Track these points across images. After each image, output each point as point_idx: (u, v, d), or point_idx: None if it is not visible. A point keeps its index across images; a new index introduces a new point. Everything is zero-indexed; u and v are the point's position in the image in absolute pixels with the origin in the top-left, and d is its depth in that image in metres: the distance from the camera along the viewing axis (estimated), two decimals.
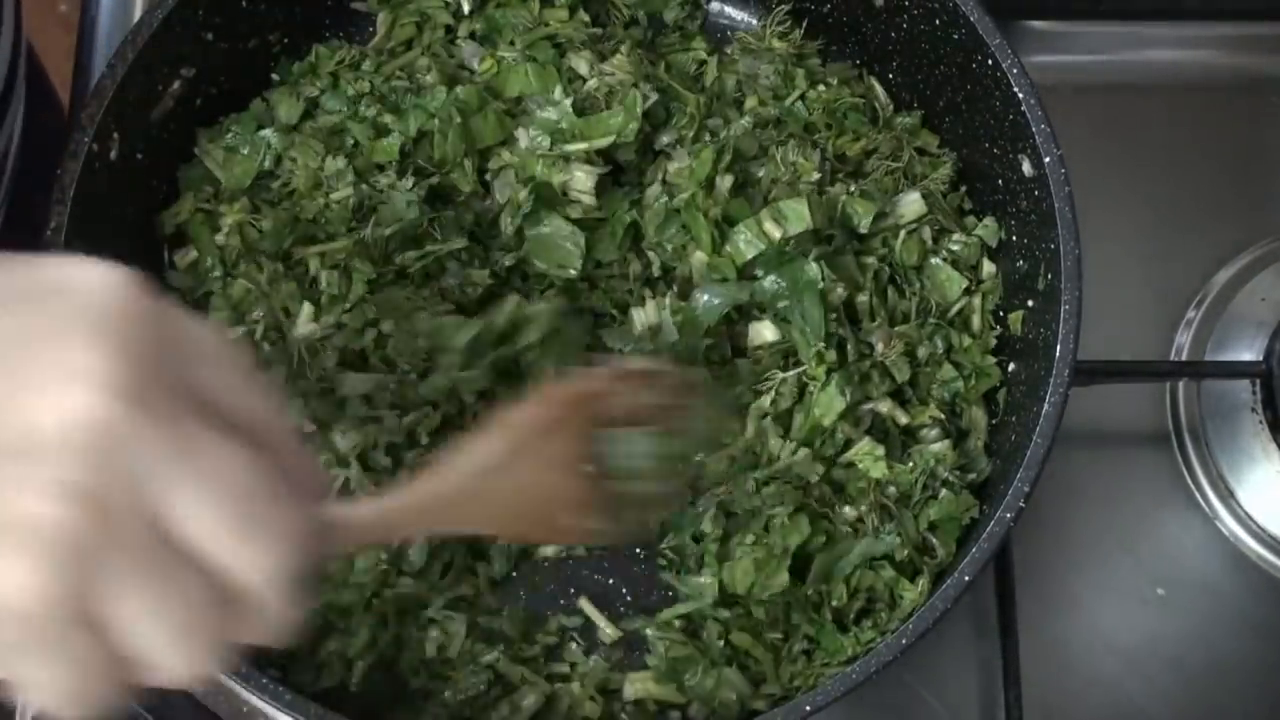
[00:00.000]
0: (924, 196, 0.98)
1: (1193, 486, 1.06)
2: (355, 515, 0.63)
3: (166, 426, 0.46)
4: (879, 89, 1.05)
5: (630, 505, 0.80)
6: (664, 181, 0.97)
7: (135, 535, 0.46)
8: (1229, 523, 1.05)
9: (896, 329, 0.94)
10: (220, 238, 0.96)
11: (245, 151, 0.98)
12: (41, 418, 0.45)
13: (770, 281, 0.93)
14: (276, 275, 0.93)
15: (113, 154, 0.90)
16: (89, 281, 0.48)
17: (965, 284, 0.96)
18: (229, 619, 0.49)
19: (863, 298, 0.95)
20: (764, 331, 0.94)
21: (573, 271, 0.95)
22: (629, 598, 0.95)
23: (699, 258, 0.95)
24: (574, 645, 0.93)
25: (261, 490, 0.48)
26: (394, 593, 0.89)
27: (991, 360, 0.96)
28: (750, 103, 1.02)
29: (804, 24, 1.05)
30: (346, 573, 0.88)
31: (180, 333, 0.50)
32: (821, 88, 1.02)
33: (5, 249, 0.50)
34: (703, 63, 1.04)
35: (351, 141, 0.97)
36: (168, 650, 0.48)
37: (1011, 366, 0.95)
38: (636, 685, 0.90)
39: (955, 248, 0.97)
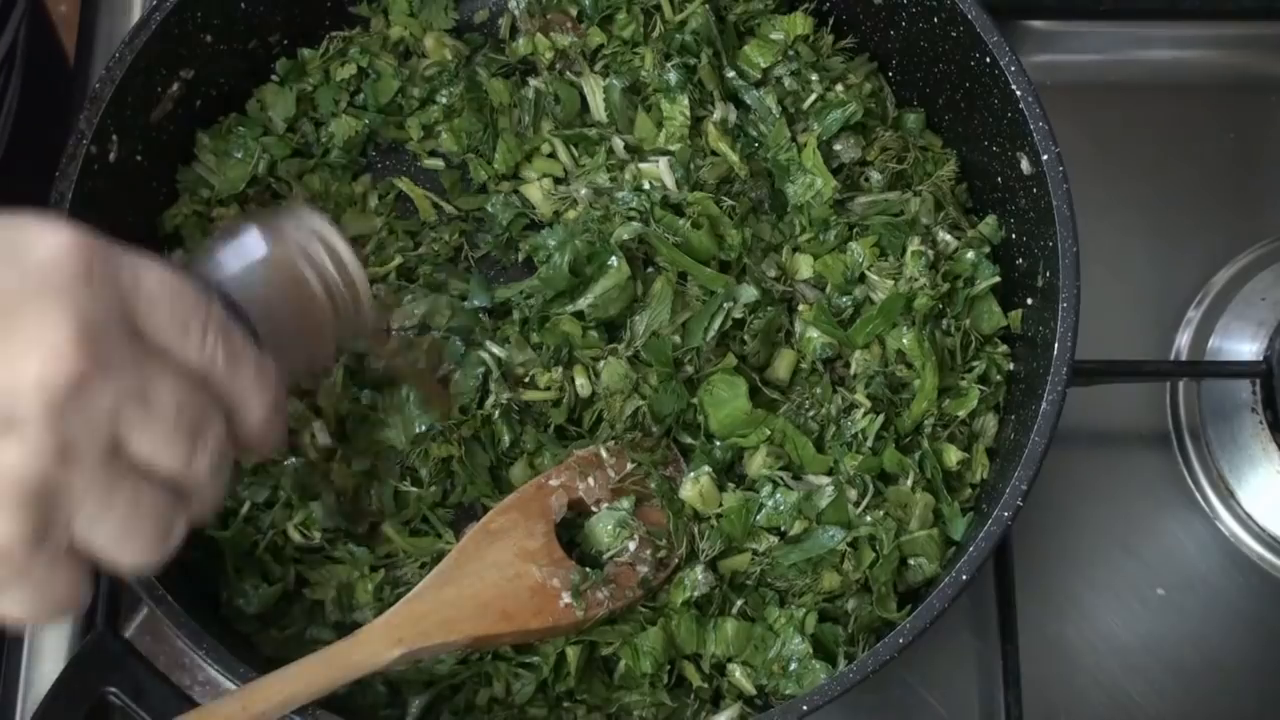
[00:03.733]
0: (933, 194, 0.98)
1: (1193, 486, 1.06)
2: (337, 654, 0.77)
3: (115, 376, 0.56)
4: (886, 88, 1.04)
5: (613, 581, 0.87)
6: None
7: (98, 468, 0.56)
8: (1229, 523, 1.05)
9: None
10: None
11: (239, 155, 0.98)
12: (8, 383, 0.54)
13: None
14: None
15: (112, 155, 0.90)
16: (43, 248, 0.56)
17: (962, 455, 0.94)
18: (177, 511, 0.61)
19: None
20: None
21: None
22: None
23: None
24: None
25: (197, 411, 0.60)
26: None
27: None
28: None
29: (829, 23, 1.04)
30: None
31: (131, 285, 0.58)
32: (840, 87, 1.00)
33: None
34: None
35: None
36: (132, 548, 0.59)
37: (1011, 365, 0.95)
38: None
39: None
